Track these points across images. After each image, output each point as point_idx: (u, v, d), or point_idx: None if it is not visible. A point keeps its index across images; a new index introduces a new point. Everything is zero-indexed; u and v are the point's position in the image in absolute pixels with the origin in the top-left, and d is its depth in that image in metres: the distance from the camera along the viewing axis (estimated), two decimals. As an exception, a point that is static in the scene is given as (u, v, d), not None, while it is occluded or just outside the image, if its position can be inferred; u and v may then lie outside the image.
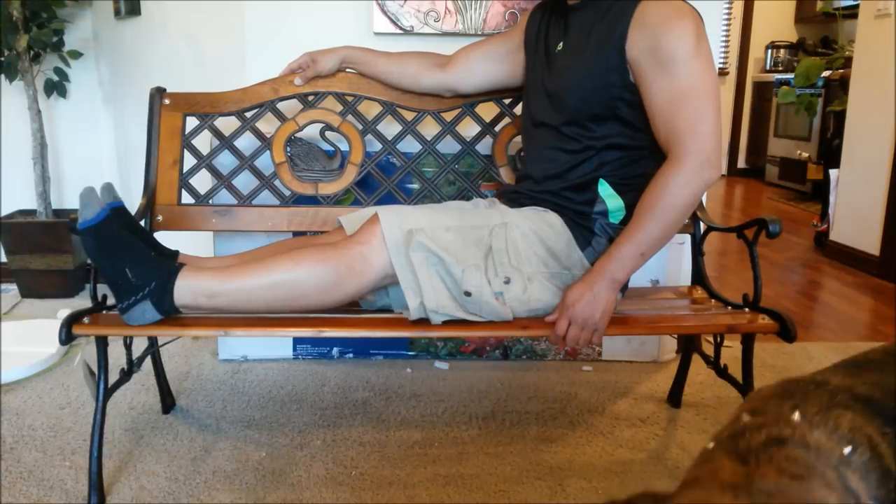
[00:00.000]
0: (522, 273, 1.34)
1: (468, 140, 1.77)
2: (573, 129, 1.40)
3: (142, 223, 1.61)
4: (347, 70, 1.74)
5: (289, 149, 1.75)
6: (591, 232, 1.41)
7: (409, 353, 2.14)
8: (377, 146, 1.77)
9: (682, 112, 1.27)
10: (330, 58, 1.70)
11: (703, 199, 1.76)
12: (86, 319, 1.37)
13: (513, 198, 1.52)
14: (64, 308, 2.50)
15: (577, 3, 1.42)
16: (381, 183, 1.75)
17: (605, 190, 1.40)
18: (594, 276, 1.31)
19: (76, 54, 2.70)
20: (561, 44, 1.44)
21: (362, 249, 1.31)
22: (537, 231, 1.37)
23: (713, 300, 1.58)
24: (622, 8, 1.32)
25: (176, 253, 1.46)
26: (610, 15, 1.33)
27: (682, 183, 1.27)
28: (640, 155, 1.39)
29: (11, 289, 2.77)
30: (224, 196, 1.75)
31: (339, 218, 1.56)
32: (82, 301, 2.64)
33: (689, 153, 1.26)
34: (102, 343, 1.40)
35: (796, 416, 0.63)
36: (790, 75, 4.89)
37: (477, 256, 1.32)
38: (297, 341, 2.13)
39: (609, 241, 1.40)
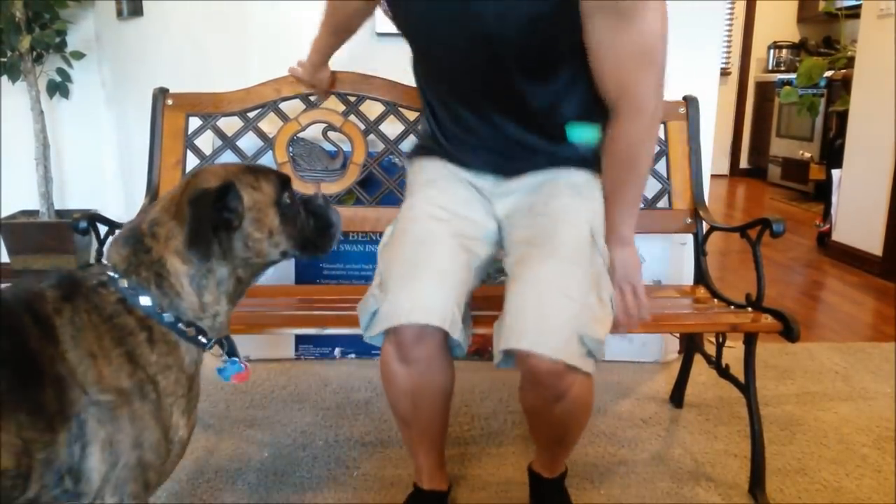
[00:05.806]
0: None
1: (470, 140, 1.77)
2: (529, 70, 1.26)
3: (144, 223, 1.61)
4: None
5: (291, 149, 1.75)
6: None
7: (412, 353, 2.14)
8: (379, 146, 1.77)
9: (633, 64, 1.22)
10: (321, 71, 1.67)
11: (706, 198, 1.75)
12: (89, 319, 1.37)
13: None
14: (66, 308, 2.50)
15: None
16: (384, 183, 1.75)
17: (579, 131, 1.34)
18: (609, 245, 1.31)
19: (79, 55, 2.71)
20: None
21: None
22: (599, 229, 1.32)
23: (716, 300, 1.58)
24: None
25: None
26: None
27: (644, 134, 1.26)
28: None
29: (14, 289, 2.77)
30: (226, 196, 1.75)
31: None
32: (85, 301, 2.64)
33: (644, 105, 1.24)
34: (105, 343, 1.40)
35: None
36: (792, 75, 4.87)
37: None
38: (300, 341, 2.14)
39: None
